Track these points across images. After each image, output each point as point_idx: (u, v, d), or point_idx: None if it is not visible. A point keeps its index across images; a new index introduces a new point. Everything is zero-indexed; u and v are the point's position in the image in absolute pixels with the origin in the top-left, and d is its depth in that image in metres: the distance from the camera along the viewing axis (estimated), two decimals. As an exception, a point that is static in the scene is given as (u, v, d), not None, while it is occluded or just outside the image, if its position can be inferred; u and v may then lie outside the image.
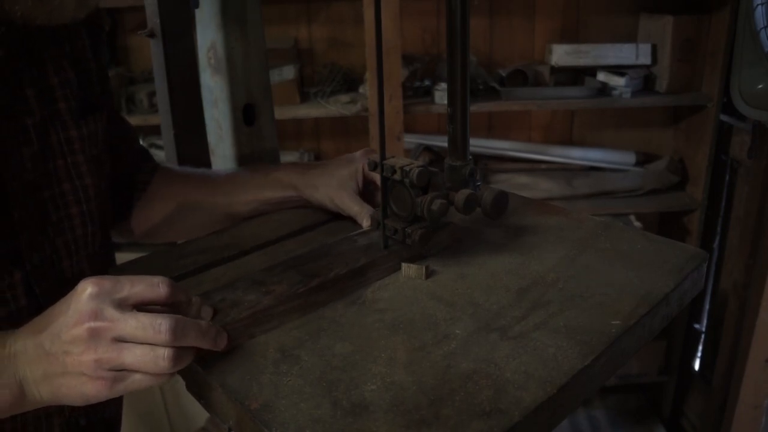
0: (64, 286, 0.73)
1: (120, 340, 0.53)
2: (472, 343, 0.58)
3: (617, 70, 2.04)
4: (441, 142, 2.18)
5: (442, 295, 0.67)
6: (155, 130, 1.33)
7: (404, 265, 0.71)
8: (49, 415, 0.73)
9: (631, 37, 2.16)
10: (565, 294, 0.66)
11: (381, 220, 0.71)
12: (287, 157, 2.15)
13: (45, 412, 0.73)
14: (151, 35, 1.10)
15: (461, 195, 0.69)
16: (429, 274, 0.71)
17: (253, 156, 1.16)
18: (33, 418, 0.71)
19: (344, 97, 2.03)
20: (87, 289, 0.53)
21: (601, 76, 2.05)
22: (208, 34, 1.06)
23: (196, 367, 0.57)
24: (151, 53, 1.13)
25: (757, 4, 1.40)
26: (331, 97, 2.05)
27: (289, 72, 2.03)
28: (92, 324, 0.52)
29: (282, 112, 1.92)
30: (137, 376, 0.53)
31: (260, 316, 0.62)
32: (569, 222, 0.84)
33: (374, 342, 0.59)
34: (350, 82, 2.15)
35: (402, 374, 0.54)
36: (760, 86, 1.46)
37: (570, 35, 2.20)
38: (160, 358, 0.52)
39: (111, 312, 0.53)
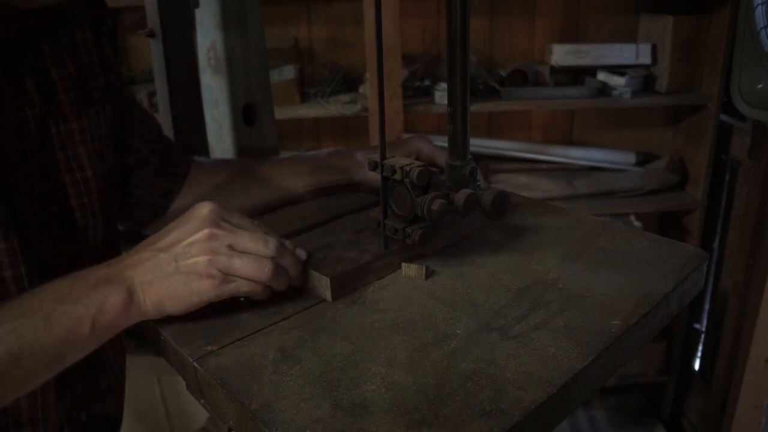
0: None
1: (232, 248, 0.61)
2: (472, 343, 0.58)
3: (617, 70, 2.03)
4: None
5: (442, 295, 0.67)
6: (155, 130, 1.32)
7: (404, 265, 0.71)
8: (46, 412, 0.73)
9: (631, 37, 2.16)
10: (565, 294, 0.66)
11: (381, 220, 0.71)
12: (287, 157, 2.15)
13: (44, 415, 0.73)
14: (151, 35, 1.10)
15: (461, 195, 0.69)
16: (429, 274, 0.71)
17: (253, 156, 1.16)
18: (29, 406, 0.71)
19: (344, 97, 2.03)
20: (207, 206, 0.63)
21: (601, 76, 2.05)
22: (208, 34, 1.07)
23: (197, 367, 0.57)
24: (151, 53, 1.13)
25: (757, 4, 1.41)
26: (331, 97, 2.05)
27: (289, 72, 2.02)
28: (213, 229, 0.61)
29: (282, 112, 1.92)
30: (242, 281, 0.61)
31: (360, 271, 0.69)
32: (569, 222, 0.84)
33: (374, 342, 0.59)
34: (350, 82, 2.14)
35: (402, 374, 0.54)
36: (760, 86, 1.46)
37: (570, 35, 2.20)
38: (264, 266, 0.61)
39: (227, 225, 0.63)
